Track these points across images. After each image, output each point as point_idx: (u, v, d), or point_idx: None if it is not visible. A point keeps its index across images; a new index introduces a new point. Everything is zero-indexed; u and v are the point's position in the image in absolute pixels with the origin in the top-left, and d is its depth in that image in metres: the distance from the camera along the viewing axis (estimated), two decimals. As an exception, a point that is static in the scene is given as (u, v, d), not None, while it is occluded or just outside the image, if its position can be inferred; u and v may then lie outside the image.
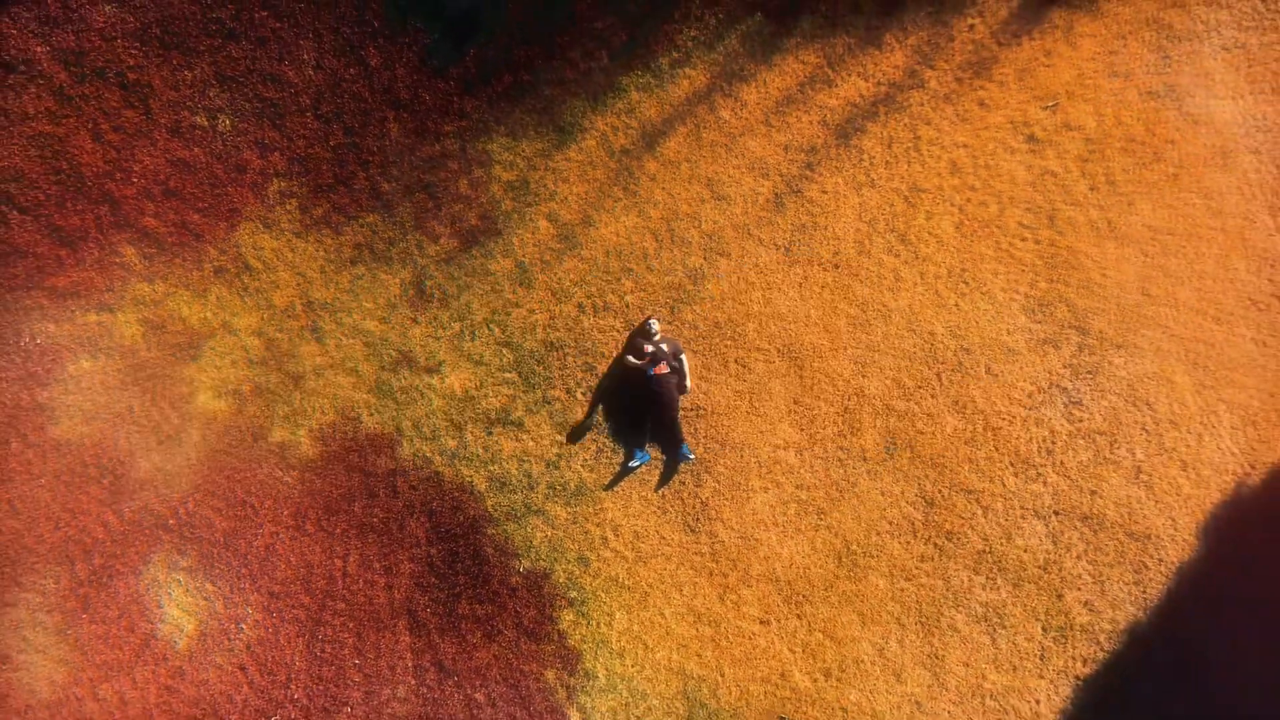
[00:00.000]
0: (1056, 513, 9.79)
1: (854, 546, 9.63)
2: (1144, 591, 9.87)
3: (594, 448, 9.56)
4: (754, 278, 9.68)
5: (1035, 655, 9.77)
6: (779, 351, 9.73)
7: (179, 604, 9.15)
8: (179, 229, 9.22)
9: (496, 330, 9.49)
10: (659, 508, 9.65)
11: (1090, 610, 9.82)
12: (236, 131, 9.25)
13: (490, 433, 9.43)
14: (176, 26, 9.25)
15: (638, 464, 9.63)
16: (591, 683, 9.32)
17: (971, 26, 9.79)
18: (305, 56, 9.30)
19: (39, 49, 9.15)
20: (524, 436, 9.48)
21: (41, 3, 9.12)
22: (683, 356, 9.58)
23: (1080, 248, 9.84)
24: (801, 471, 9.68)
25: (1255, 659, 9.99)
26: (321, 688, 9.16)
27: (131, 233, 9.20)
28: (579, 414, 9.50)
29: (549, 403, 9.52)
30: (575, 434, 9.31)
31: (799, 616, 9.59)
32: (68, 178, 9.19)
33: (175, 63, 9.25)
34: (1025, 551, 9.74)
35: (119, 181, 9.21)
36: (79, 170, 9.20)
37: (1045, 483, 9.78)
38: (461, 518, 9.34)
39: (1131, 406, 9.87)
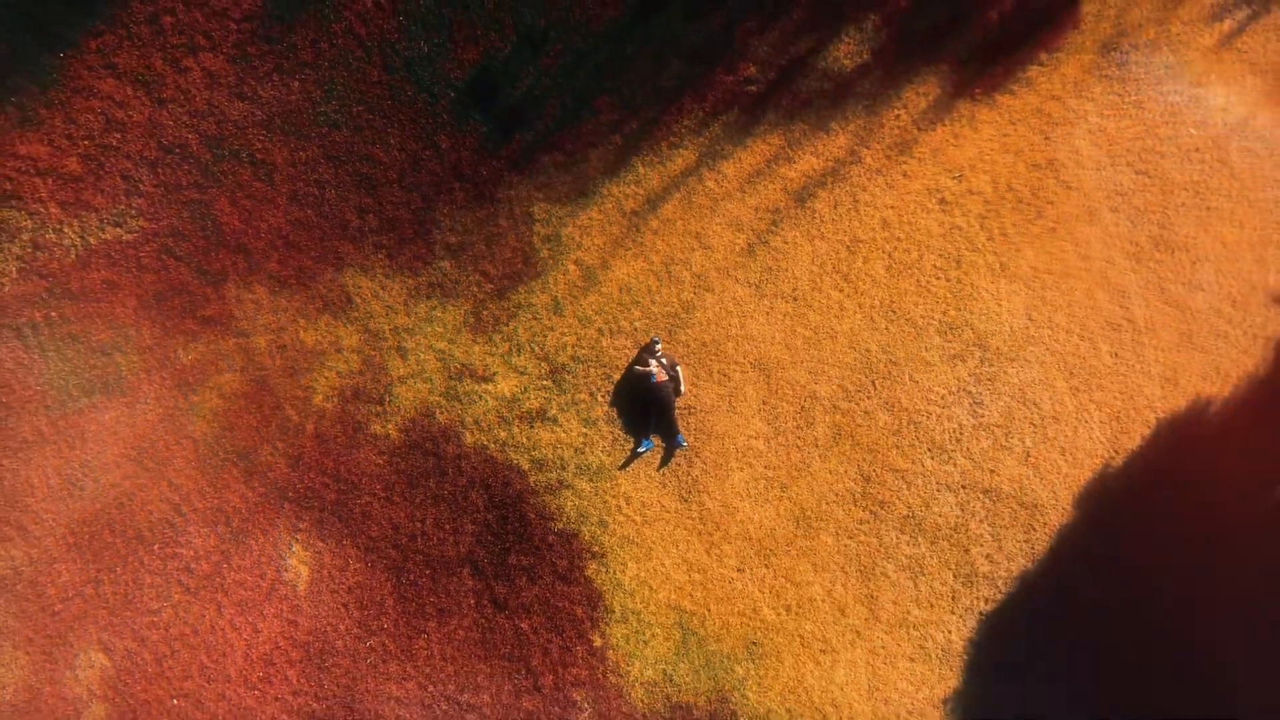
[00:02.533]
0: (964, 487, 12.63)
1: (808, 512, 12.46)
2: (1032, 548, 12.68)
3: (610, 438, 12.37)
4: (732, 308, 12.52)
5: (948, 596, 12.60)
6: (751, 364, 12.57)
7: (298, 556, 11.93)
8: (297, 272, 12.02)
9: (536, 348, 12.31)
10: (660, 483, 12.46)
11: (990, 562, 12.65)
12: (340, 198, 12.06)
13: (532, 426, 12.23)
14: (293, 118, 12.06)
15: (644, 450, 12.36)
16: (610, 615, 12.11)
17: (897, 116, 12.64)
18: (392, 141, 12.12)
19: (190, 136, 11.97)
20: (557, 429, 12.27)
21: (192, 100, 11.95)
22: (678, 368, 12.35)
23: (980, 284, 12.70)
24: (768, 455, 12.52)
25: (1120, 597, 12.83)
26: (405, 619, 11.94)
27: (261, 275, 11.99)
28: (599, 412, 12.36)
29: (576, 403, 12.32)
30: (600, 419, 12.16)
31: (766, 566, 12.41)
32: (212, 233, 11.98)
33: (292, 145, 12.07)
34: (940, 516, 12.58)
35: (250, 236, 12.01)
36: (220, 228, 12.00)
37: (955, 464, 12.61)
38: (510, 490, 12.13)
39: (1022, 406, 12.74)
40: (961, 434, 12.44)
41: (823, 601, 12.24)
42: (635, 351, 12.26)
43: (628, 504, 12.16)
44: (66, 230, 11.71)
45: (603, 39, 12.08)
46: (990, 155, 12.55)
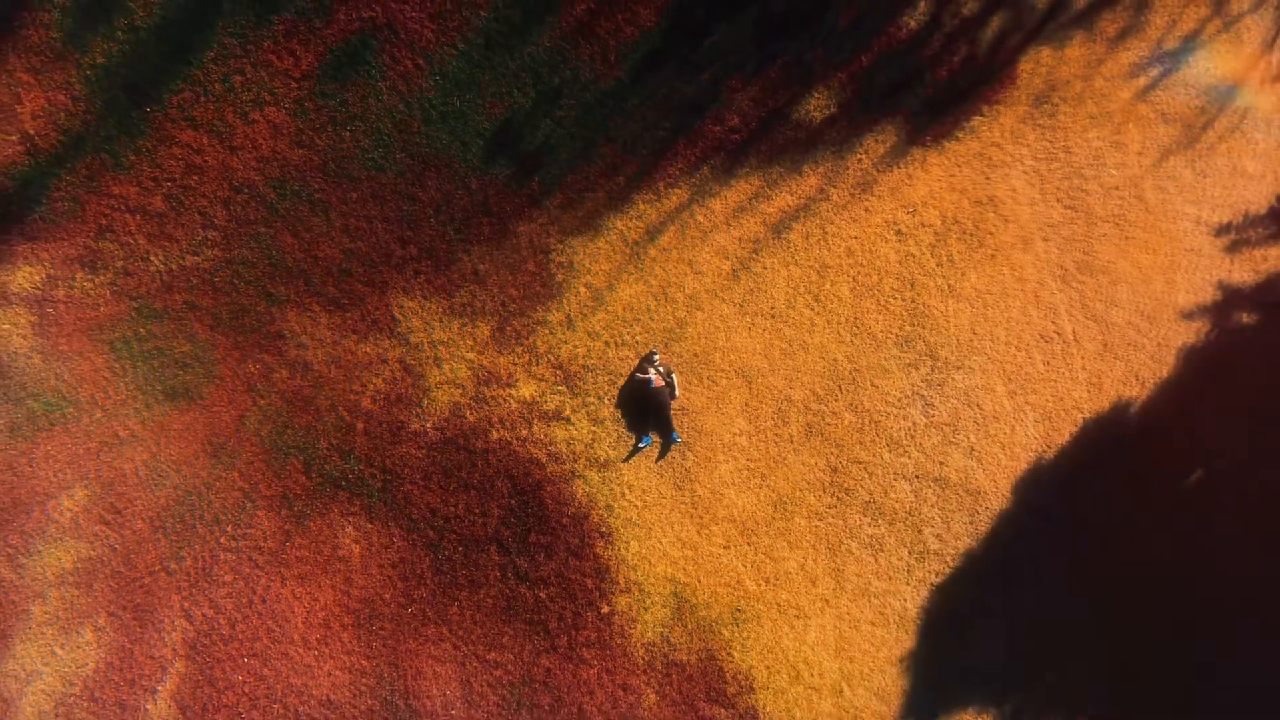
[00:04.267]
0: (917, 476, 14.68)
1: (784, 498, 14.51)
2: (975, 528, 14.71)
3: (615, 435, 14.41)
4: (719, 324, 14.56)
5: (904, 570, 14.65)
6: (736, 372, 14.63)
7: (349, 535, 13.92)
8: (349, 295, 14.04)
9: (552, 358, 14.35)
10: (658, 473, 14.49)
11: (940, 540, 14.69)
12: (386, 232, 14.08)
13: (549, 425, 14.26)
14: (345, 163, 14.03)
15: (644, 445, 14.36)
16: (615, 586, 14.14)
17: (860, 160, 14.68)
18: (429, 182, 13.98)
19: (257, 178, 13.99)
20: (570, 427, 14.30)
21: (259, 147, 13.98)
22: (673, 375, 14.36)
23: (931, 303, 14.78)
24: (750, 450, 14.57)
25: (1051, 573, 14.89)
26: (441, 589, 13.94)
27: (319, 298, 14.01)
28: (606, 413, 14.41)
29: (586, 406, 14.33)
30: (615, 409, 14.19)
31: (749, 544, 14.46)
32: (276, 261, 13.97)
33: (345, 186, 14.08)
34: (896, 502, 14.64)
35: (309, 264, 14.01)
36: (283, 257, 14.01)
37: (909, 457, 14.67)
38: (530, 479, 14.14)
39: (967, 407, 14.80)
40: (915, 431, 14.50)
41: (797, 574, 14.29)
42: (636, 361, 14.23)
43: (630, 491, 14.19)
44: (152, 259, 13.72)
45: (608, 95, 14.12)
46: (939, 193, 14.62)
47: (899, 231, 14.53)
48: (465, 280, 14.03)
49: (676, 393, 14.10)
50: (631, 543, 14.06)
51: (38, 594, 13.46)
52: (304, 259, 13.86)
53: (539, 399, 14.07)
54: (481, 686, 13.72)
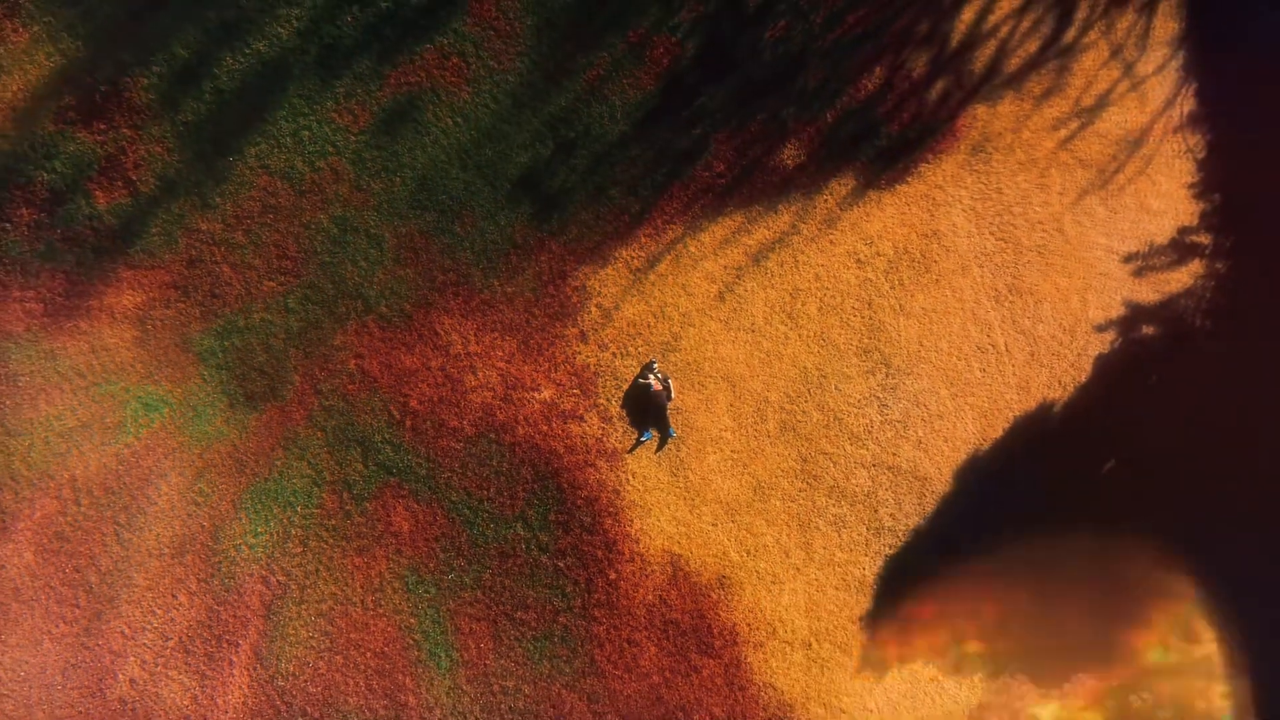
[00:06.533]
0: (874, 465, 17.40)
1: (763, 483, 17.22)
2: (923, 508, 17.41)
3: (621, 431, 17.14)
4: (708, 337, 17.23)
5: (863, 543, 17.36)
6: (722, 378, 17.35)
7: (400, 514, 16.57)
8: (399, 314, 16.65)
9: (568, 367, 17.03)
10: (656, 463, 17.20)
11: (893, 519, 17.40)
12: (429, 260, 16.64)
13: (565, 422, 16.94)
14: (396, 203, 16.44)
15: (645, 439, 17.00)
16: (621, 557, 16.77)
17: (826, 200, 17.35)
18: (466, 218, 16.60)
19: (322, 216, 16.68)
20: (584, 424, 16.98)
21: (323, 190, 16.67)
22: (670, 380, 17.15)
23: (886, 320, 17.54)
24: (734, 443, 17.30)
25: (991, 549, 17.62)
26: (475, 559, 16.53)
27: (374, 315, 16.58)
28: (613, 412, 17.14)
29: (597, 406, 17.02)
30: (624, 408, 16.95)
31: (733, 521, 17.16)
32: (339, 285, 16.56)
33: (395, 222, 16.64)
34: (856, 486, 17.35)
35: (366, 287, 16.63)
36: (344, 281, 16.60)
37: (867, 449, 17.39)
38: (550, 467, 16.79)
39: (916, 407, 17.55)
40: (872, 427, 17.25)
41: (773, 547, 17.03)
42: (639, 369, 16.93)
43: (634, 478, 16.88)
44: (234, 283, 16.41)
45: (615, 145, 16.83)
46: (892, 228, 17.38)
47: (858, 260, 17.29)
48: (495, 301, 16.75)
49: (672, 395, 16.74)
50: (635, 520, 16.77)
51: (139, 564, 16.11)
52: (361, 283, 16.55)
53: (557, 400, 16.79)
54: (509, 640, 16.41)
